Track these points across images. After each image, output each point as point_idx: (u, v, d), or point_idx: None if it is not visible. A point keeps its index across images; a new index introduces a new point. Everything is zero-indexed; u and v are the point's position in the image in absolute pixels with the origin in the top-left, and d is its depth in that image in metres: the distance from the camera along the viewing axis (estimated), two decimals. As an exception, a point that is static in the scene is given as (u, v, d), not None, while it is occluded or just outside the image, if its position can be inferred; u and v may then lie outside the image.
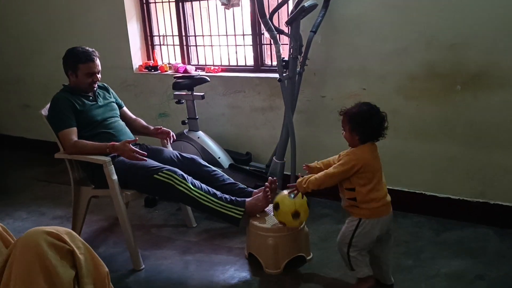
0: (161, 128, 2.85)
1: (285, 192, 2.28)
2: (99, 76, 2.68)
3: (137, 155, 2.47)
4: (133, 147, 2.51)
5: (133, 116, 2.95)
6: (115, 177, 2.45)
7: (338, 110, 2.16)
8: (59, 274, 1.32)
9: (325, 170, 2.12)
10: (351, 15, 2.83)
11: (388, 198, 2.09)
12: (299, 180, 2.18)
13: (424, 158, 2.83)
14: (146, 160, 2.52)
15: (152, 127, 2.86)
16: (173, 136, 2.87)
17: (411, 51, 2.71)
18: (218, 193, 2.48)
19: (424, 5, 2.62)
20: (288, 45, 2.94)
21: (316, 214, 2.96)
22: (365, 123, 2.03)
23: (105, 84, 2.87)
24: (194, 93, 3.17)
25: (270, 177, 2.54)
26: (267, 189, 2.44)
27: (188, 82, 3.15)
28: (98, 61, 2.66)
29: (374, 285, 2.12)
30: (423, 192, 2.86)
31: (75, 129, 2.57)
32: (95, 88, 2.71)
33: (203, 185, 2.48)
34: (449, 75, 2.64)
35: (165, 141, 2.87)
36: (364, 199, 2.03)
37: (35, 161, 4.34)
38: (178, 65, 3.63)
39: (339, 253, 2.16)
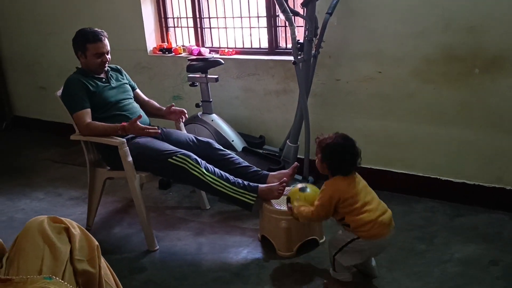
0: (172, 105, 2.81)
1: (299, 185, 2.24)
2: (108, 56, 2.69)
3: (149, 130, 2.49)
4: (142, 125, 2.51)
5: (146, 98, 2.95)
6: (130, 159, 2.47)
7: (315, 138, 2.11)
8: (59, 247, 1.43)
9: (310, 208, 2.06)
10: (367, -4, 2.78)
11: (384, 218, 1.99)
12: (294, 205, 2.12)
13: (440, 143, 2.80)
14: (159, 133, 2.54)
15: (164, 108, 2.87)
16: (185, 115, 2.86)
17: (428, 34, 2.66)
18: (231, 177, 2.48)
19: (443, -14, 2.56)
20: (303, 27, 2.91)
21: (329, 198, 2.95)
22: (335, 157, 2.00)
23: (118, 66, 2.88)
24: (208, 76, 3.16)
25: (296, 163, 2.58)
26: (284, 183, 2.43)
27: (202, 65, 3.14)
28: (106, 41, 2.67)
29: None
30: (438, 177, 2.84)
31: (89, 110, 2.59)
32: (105, 69, 2.72)
33: (217, 170, 2.49)
34: (467, 58, 2.59)
35: (179, 120, 2.86)
36: (357, 225, 1.97)
37: (51, 143, 4.39)
38: (192, 48, 3.62)
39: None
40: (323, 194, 2.02)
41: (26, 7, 4.46)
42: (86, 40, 2.62)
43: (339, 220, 2.07)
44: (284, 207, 2.37)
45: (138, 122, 2.50)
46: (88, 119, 2.57)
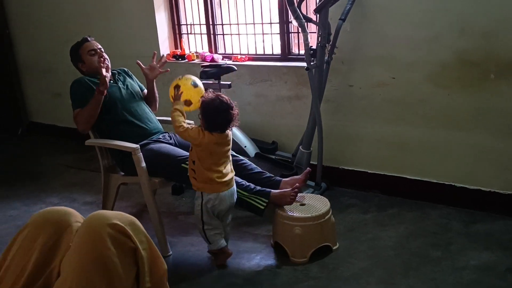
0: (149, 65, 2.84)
1: (193, 77, 2.39)
2: (105, 55, 2.75)
3: (101, 64, 2.57)
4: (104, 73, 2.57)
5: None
6: (143, 164, 2.49)
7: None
8: (120, 274, 1.26)
9: (182, 123, 2.26)
10: (381, 2, 2.78)
11: (227, 178, 2.25)
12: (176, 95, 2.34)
13: (455, 149, 2.77)
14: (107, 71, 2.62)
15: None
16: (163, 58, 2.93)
17: (442, 39, 2.65)
18: (244, 182, 2.49)
19: (457, -9, 2.55)
20: (316, 34, 2.91)
21: (342, 204, 2.94)
22: (209, 115, 2.21)
23: (124, 68, 2.93)
24: (221, 82, 3.17)
25: (308, 168, 2.59)
26: (297, 189, 2.43)
27: (215, 71, 3.16)
28: (94, 41, 2.79)
29: (230, 254, 2.36)
30: (453, 184, 2.81)
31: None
32: (107, 64, 2.69)
33: (230, 174, 2.49)
34: (482, 63, 2.57)
35: (157, 74, 2.89)
36: (201, 175, 2.24)
37: (66, 148, 4.44)
38: (205, 54, 3.64)
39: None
40: (197, 130, 2.22)
41: (43, 15, 4.53)
42: (76, 48, 2.77)
43: (191, 161, 2.28)
44: (297, 214, 2.36)
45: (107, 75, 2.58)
46: None
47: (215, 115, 2.21)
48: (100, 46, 2.79)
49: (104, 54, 2.75)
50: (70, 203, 3.30)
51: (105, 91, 2.58)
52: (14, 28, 4.82)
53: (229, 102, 2.25)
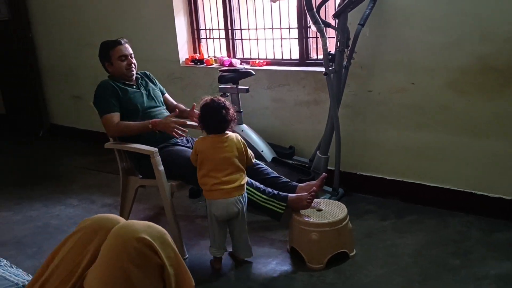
0: (194, 106, 2.76)
1: None
2: (133, 61, 2.77)
3: (177, 130, 2.53)
4: (175, 119, 2.58)
5: (174, 102, 3.01)
6: (161, 167, 2.51)
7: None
8: None
9: None
10: (400, 6, 2.76)
11: (225, 186, 2.26)
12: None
13: (475, 156, 2.72)
14: (185, 136, 2.61)
15: (189, 109, 2.86)
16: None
17: (463, 44, 2.61)
18: (261, 186, 2.49)
19: (479, -4, 2.52)
20: (334, 39, 2.90)
21: (360, 210, 2.92)
22: (204, 115, 2.35)
23: (146, 72, 2.95)
24: (239, 87, 3.19)
25: (324, 173, 2.59)
26: (313, 193, 2.42)
27: (233, 76, 3.17)
28: (127, 46, 2.77)
29: (219, 265, 2.41)
30: (473, 191, 2.76)
31: (118, 114, 2.66)
32: (133, 72, 2.77)
33: (247, 178, 2.49)
34: (504, 69, 2.53)
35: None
36: (200, 181, 2.34)
37: (86, 151, 4.51)
38: (224, 59, 3.66)
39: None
40: (195, 143, 2.36)
41: (64, 20, 4.61)
42: (107, 48, 2.74)
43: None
44: (314, 219, 2.35)
45: (170, 117, 2.58)
46: (117, 120, 2.64)
47: (210, 114, 2.33)
48: (131, 52, 2.78)
49: (133, 60, 2.77)
50: (89, 204, 3.35)
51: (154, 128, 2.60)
52: (36, 32, 4.92)
53: (222, 102, 2.35)
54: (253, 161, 2.47)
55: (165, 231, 1.34)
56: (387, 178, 3.06)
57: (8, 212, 3.30)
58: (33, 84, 5.03)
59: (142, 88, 2.81)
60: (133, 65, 2.77)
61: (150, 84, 2.90)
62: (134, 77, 2.80)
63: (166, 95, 3.00)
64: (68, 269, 1.35)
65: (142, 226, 1.30)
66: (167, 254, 1.29)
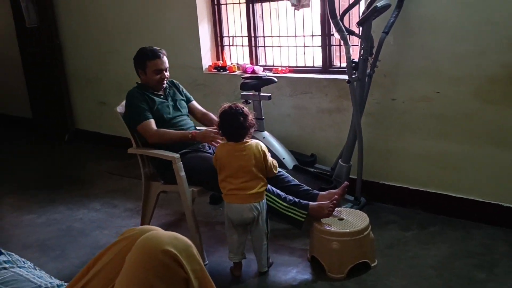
0: None
1: None
2: (167, 74, 2.79)
3: (215, 140, 2.55)
4: (212, 130, 2.60)
5: (204, 110, 3.00)
6: (183, 173, 2.53)
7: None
8: None
9: None
10: (426, 14, 2.72)
11: (241, 193, 2.28)
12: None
13: (502, 167, 2.66)
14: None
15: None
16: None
17: (490, 53, 2.56)
18: (282, 194, 2.48)
19: (506, 3, 2.46)
20: (358, 46, 2.88)
21: (382, 220, 2.88)
22: (223, 120, 2.36)
23: (174, 81, 2.97)
24: (261, 94, 3.19)
25: (346, 182, 2.56)
26: (335, 201, 2.39)
27: (255, 83, 3.18)
28: (165, 59, 2.77)
29: (238, 272, 2.41)
30: (500, 203, 2.69)
31: (153, 120, 2.69)
32: (164, 86, 2.81)
33: (268, 186, 2.49)
34: (533, 78, 2.47)
35: None
36: (219, 184, 2.37)
37: (109, 155, 4.57)
38: (246, 66, 3.67)
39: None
40: (217, 148, 2.41)
41: (91, 27, 4.71)
42: (145, 58, 2.74)
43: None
44: (335, 228, 2.33)
45: (209, 129, 2.62)
46: (155, 127, 2.67)
47: (227, 120, 2.34)
48: (167, 66, 2.79)
49: (167, 73, 2.79)
50: (112, 209, 3.39)
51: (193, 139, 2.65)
52: (64, 39, 5.03)
53: (240, 109, 2.36)
54: (275, 171, 2.41)
55: (191, 243, 1.33)
56: (410, 187, 3.01)
57: (32, 215, 3.37)
58: (60, 90, 5.14)
59: (169, 99, 2.84)
60: (166, 79, 2.80)
61: (177, 93, 2.92)
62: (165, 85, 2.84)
63: (194, 102, 3.01)
64: (108, 277, 1.36)
65: (168, 237, 1.28)
66: (192, 267, 1.27)
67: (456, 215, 2.83)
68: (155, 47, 2.79)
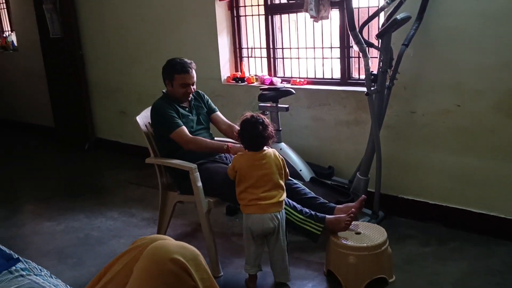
0: None
1: None
2: (193, 87, 2.80)
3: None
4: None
5: (228, 122, 2.95)
6: (200, 184, 2.53)
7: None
8: None
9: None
10: (447, 27, 2.69)
11: (262, 202, 2.27)
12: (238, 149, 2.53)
13: (525, 183, 2.60)
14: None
15: None
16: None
17: (513, 66, 2.52)
18: (298, 206, 2.46)
19: (531, 16, 2.42)
20: (377, 58, 2.86)
21: (400, 235, 2.83)
22: (244, 130, 2.37)
23: (200, 92, 2.97)
24: (279, 105, 3.19)
25: (363, 195, 2.53)
26: (352, 214, 2.36)
27: (273, 94, 3.18)
28: (193, 73, 2.78)
29: (253, 285, 2.39)
30: (523, 220, 2.63)
31: (184, 127, 2.70)
32: (188, 99, 2.83)
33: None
34: (558, 92, 2.41)
35: None
36: (239, 196, 2.35)
37: (128, 165, 4.61)
38: (265, 77, 3.68)
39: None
40: (232, 160, 2.41)
41: (113, 38, 4.79)
42: (174, 70, 2.75)
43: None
44: (351, 242, 2.29)
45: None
46: (188, 133, 2.69)
47: (248, 129, 2.35)
48: (195, 80, 2.80)
49: (194, 87, 2.80)
50: (129, 218, 3.41)
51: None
52: (86, 50, 5.12)
53: (261, 119, 2.37)
54: (287, 178, 2.47)
55: (199, 252, 1.34)
56: (430, 202, 2.96)
57: (52, 222, 3.41)
58: (82, 99, 5.23)
59: (194, 112, 2.85)
60: (192, 93, 2.81)
61: (202, 105, 2.93)
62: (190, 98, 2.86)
63: (218, 113, 2.99)
64: (119, 286, 1.36)
65: (176, 247, 1.29)
66: (200, 276, 1.28)
67: (477, 231, 2.77)
68: (185, 60, 2.78)
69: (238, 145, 2.59)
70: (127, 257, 1.41)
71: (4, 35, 6.70)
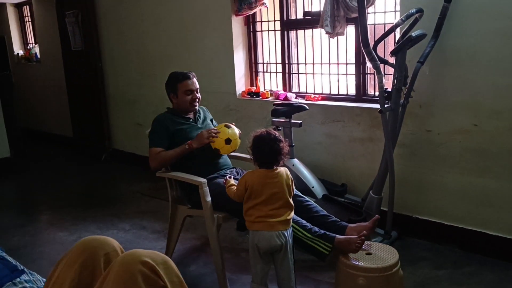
0: None
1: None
2: (198, 95, 2.82)
3: (211, 135, 2.61)
4: (206, 131, 2.65)
5: None
6: (209, 198, 2.52)
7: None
8: None
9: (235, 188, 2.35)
10: (464, 45, 2.64)
11: (271, 220, 2.20)
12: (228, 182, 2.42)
13: (545, 206, 2.51)
14: (217, 137, 2.64)
15: None
16: None
17: (533, 86, 2.45)
18: (308, 224, 2.42)
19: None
20: (392, 75, 2.82)
21: (413, 257, 2.75)
22: (257, 148, 2.27)
23: (204, 107, 3.00)
24: (292, 121, 3.17)
25: (377, 215, 2.47)
26: (363, 236, 2.30)
27: (286, 110, 3.16)
28: (195, 80, 2.82)
29: None
30: (542, 245, 2.53)
31: (161, 149, 2.72)
32: (196, 107, 2.84)
33: (294, 215, 2.43)
34: None
35: None
36: (246, 212, 2.27)
37: (142, 176, 4.64)
38: (279, 92, 3.67)
39: None
40: (241, 178, 2.29)
41: (131, 51, 4.86)
42: (176, 80, 2.80)
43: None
44: (362, 263, 2.24)
45: (203, 131, 2.64)
46: (158, 154, 2.70)
47: (262, 145, 2.28)
48: (197, 86, 2.84)
49: (198, 94, 2.83)
50: (140, 230, 3.41)
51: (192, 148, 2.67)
52: (106, 62, 5.21)
53: (276, 135, 2.31)
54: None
55: (169, 258, 1.39)
56: (445, 223, 2.88)
57: (64, 232, 3.44)
58: (100, 110, 5.31)
59: (199, 122, 2.86)
60: (197, 100, 2.83)
61: (207, 119, 2.95)
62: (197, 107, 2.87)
63: None
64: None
65: (146, 252, 1.36)
66: (170, 279, 1.32)
67: (494, 255, 2.67)
68: (185, 71, 2.85)
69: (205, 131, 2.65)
70: (66, 258, 1.48)
71: (28, 47, 6.88)
